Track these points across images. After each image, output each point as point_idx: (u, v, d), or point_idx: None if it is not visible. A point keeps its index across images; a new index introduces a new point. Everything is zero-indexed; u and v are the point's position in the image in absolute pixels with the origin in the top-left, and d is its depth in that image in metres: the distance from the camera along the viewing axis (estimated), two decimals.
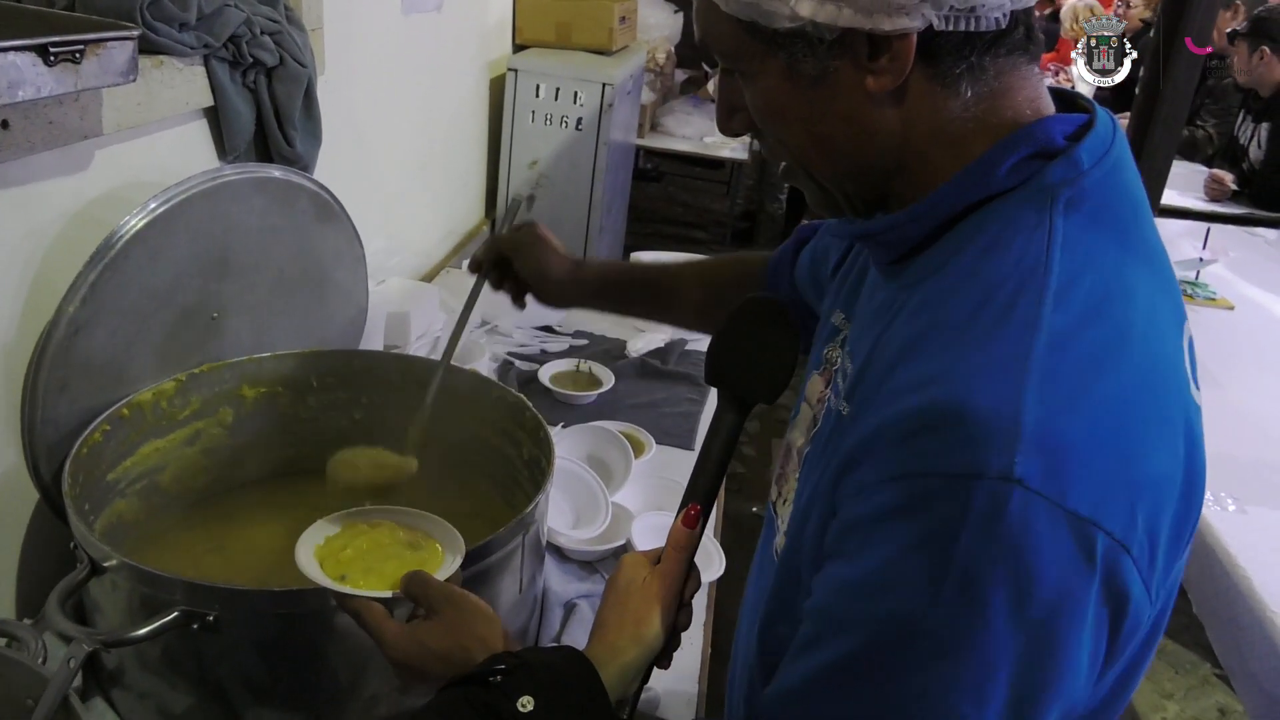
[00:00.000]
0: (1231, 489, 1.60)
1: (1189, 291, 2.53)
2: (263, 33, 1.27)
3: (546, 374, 1.77)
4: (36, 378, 0.99)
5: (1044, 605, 0.51)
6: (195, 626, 0.86)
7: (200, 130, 1.30)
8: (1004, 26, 0.59)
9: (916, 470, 0.53)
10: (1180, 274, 2.47)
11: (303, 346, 1.28)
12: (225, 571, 1.14)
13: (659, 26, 4.11)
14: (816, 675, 0.58)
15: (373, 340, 1.57)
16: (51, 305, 0.98)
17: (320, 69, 1.48)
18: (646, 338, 1.95)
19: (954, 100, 0.60)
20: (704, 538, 0.75)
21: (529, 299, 1.16)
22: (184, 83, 1.20)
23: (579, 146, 2.77)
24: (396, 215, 2.11)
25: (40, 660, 0.83)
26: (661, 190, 5.71)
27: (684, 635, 0.74)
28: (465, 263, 2.25)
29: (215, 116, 1.29)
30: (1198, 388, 0.63)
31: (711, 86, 4.63)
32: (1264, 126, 3.60)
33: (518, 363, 1.83)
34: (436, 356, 1.69)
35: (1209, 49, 3.59)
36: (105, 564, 0.89)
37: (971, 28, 0.58)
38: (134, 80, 0.99)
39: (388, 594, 0.76)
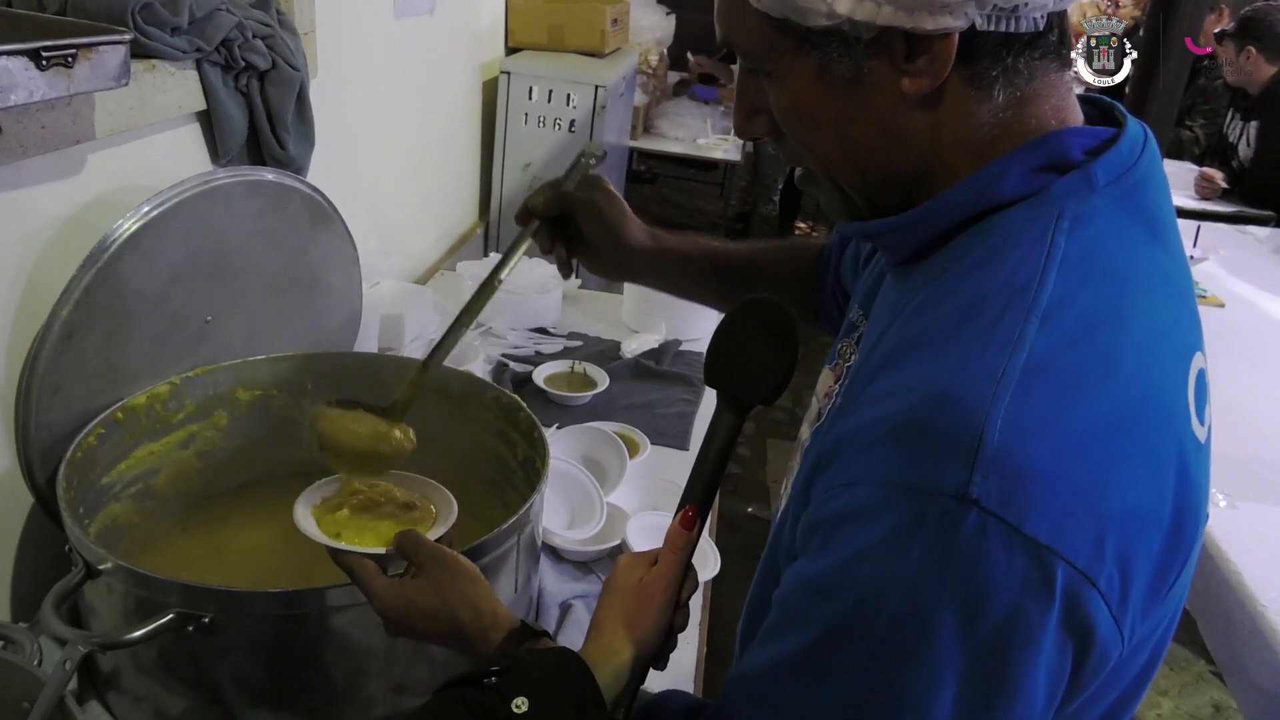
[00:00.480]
0: (1222, 485, 1.61)
1: None
2: (255, 36, 1.27)
3: (541, 375, 1.77)
4: (30, 382, 0.99)
5: (993, 627, 0.50)
6: (191, 629, 0.86)
7: (193, 134, 1.30)
8: (1041, 28, 0.57)
9: (878, 478, 0.53)
10: None
11: (297, 349, 1.29)
12: (221, 574, 1.14)
13: (651, 29, 4.11)
14: (774, 664, 0.58)
15: (367, 343, 1.57)
16: (45, 309, 0.98)
17: (313, 72, 1.48)
18: (641, 339, 1.95)
19: (986, 105, 0.59)
20: (700, 539, 0.75)
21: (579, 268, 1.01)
22: (176, 86, 1.20)
23: (572, 148, 2.77)
24: (390, 218, 2.11)
25: (36, 663, 0.83)
26: (656, 192, 5.72)
27: (680, 636, 0.74)
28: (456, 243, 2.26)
29: (208, 120, 1.29)
30: (1203, 423, 0.60)
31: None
32: (1253, 125, 3.62)
33: (512, 364, 1.83)
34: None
35: (1209, 49, 3.62)
36: (100, 567, 0.89)
37: (1012, 29, 0.56)
38: (126, 84, 0.99)
39: (380, 550, 0.78)
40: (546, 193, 0.97)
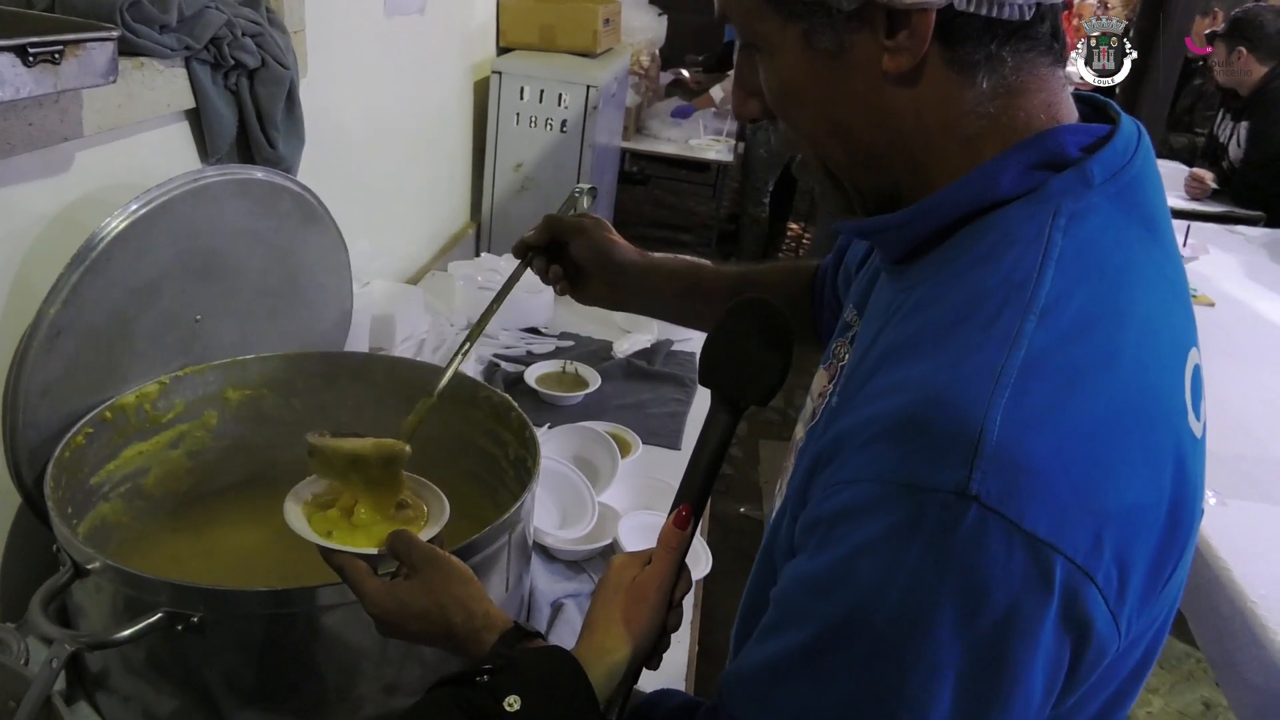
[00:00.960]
0: (1212, 482, 1.61)
1: None
2: (244, 34, 1.27)
3: (533, 375, 1.77)
4: (18, 381, 0.98)
5: (992, 622, 0.50)
6: (180, 628, 0.85)
7: (182, 132, 1.29)
8: (1028, 18, 0.58)
9: (876, 475, 0.53)
10: None
11: (287, 349, 1.28)
12: (211, 574, 1.13)
13: (643, 29, 4.11)
14: (772, 661, 0.58)
15: (358, 342, 1.57)
16: (32, 308, 0.98)
17: (303, 71, 1.47)
18: (633, 338, 1.95)
19: (969, 91, 0.59)
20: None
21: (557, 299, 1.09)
22: (165, 84, 1.19)
23: (564, 149, 2.77)
24: (381, 217, 2.11)
25: (23, 662, 0.82)
26: (647, 194, 5.72)
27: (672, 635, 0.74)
28: (445, 259, 2.25)
29: (197, 118, 1.28)
30: (1199, 418, 0.60)
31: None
32: (1243, 125, 3.64)
33: (504, 364, 1.83)
34: (422, 359, 1.69)
35: (1210, 49, 3.64)
36: (88, 566, 0.89)
37: (994, 14, 0.57)
38: (114, 81, 0.98)
39: (372, 551, 0.77)
40: (543, 224, 1.04)
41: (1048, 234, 0.56)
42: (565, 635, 1.16)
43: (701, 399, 1.80)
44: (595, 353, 1.94)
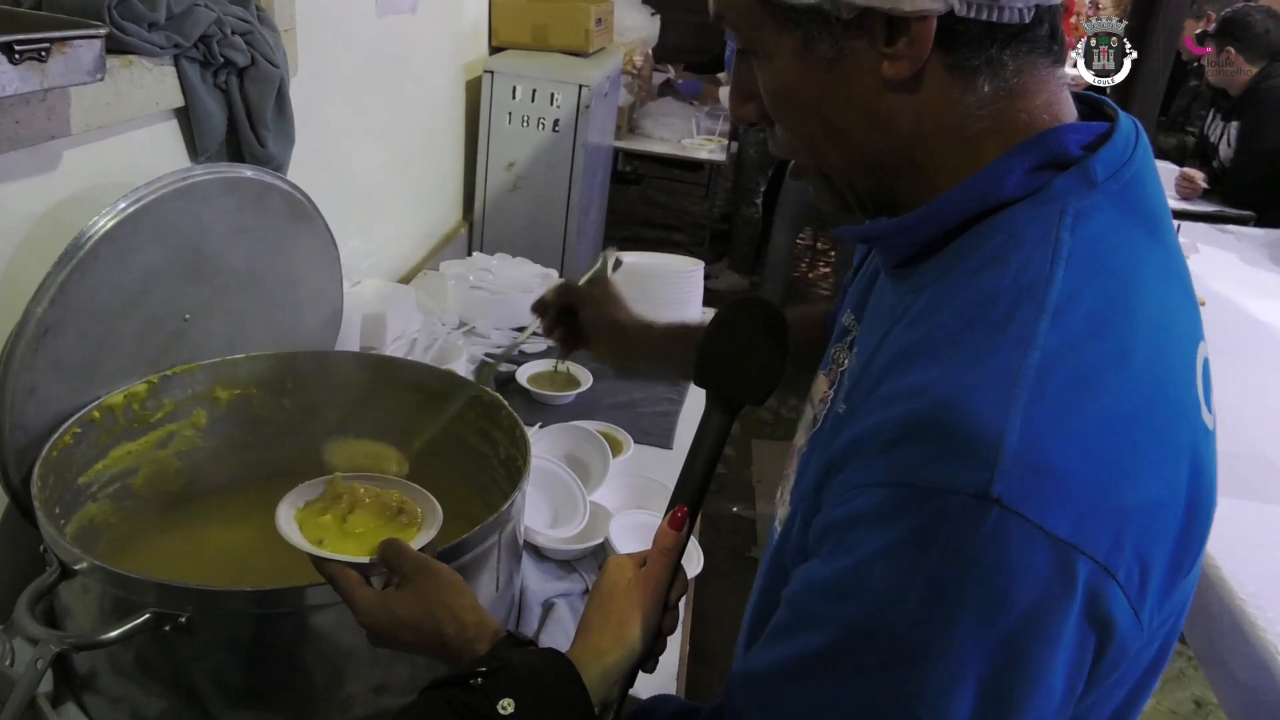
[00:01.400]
0: None
1: None
2: (234, 33, 1.26)
3: (524, 374, 1.76)
4: (4, 381, 0.97)
5: (1014, 624, 0.50)
6: (168, 628, 0.85)
7: (171, 130, 1.29)
8: (1027, 21, 0.57)
9: (894, 479, 0.53)
10: None
11: (277, 348, 1.28)
12: (200, 574, 1.12)
13: (636, 29, 4.10)
14: (785, 664, 0.58)
15: (348, 342, 1.56)
16: (19, 307, 0.97)
17: (293, 69, 1.47)
18: None
19: (970, 95, 0.59)
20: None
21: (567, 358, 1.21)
22: (154, 82, 1.19)
23: (556, 148, 2.77)
24: (371, 217, 2.10)
25: (8, 663, 0.82)
26: (640, 193, 5.72)
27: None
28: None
29: (186, 117, 1.28)
30: (1210, 411, 0.61)
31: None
32: (1234, 125, 3.65)
33: (495, 361, 1.82)
34: (414, 358, 1.68)
35: (1209, 49, 3.65)
36: (76, 567, 0.88)
37: (994, 18, 0.56)
38: (102, 79, 0.98)
39: (363, 559, 0.77)
40: (561, 288, 1.17)
41: (1055, 234, 0.56)
42: (556, 634, 1.15)
43: (693, 398, 1.80)
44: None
